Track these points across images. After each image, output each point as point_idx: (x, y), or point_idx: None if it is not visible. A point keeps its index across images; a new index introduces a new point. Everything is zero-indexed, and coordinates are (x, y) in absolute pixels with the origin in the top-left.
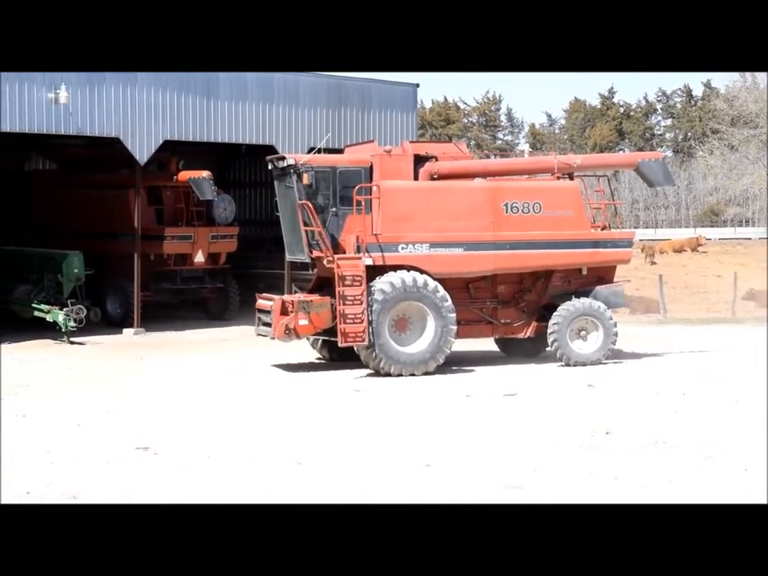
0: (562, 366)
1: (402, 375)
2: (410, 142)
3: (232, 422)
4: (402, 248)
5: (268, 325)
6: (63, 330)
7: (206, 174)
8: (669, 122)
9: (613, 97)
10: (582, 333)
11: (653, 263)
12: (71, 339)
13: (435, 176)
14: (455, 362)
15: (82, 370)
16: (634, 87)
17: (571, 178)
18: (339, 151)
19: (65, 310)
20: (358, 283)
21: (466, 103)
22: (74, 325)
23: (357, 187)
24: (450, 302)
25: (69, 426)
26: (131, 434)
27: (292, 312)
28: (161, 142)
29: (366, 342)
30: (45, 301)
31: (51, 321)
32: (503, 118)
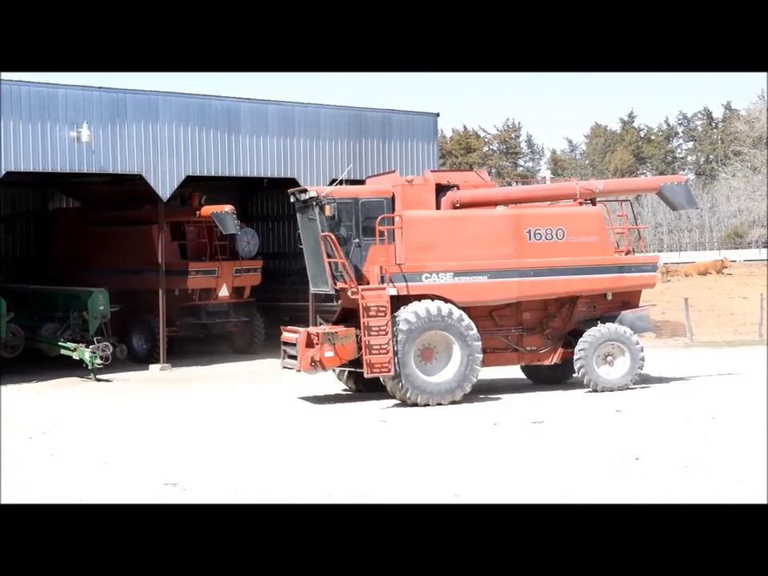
0: (589, 392)
1: (428, 405)
2: (432, 171)
3: (260, 456)
4: (426, 277)
5: (294, 357)
6: (90, 368)
7: (228, 208)
8: (690, 144)
9: (633, 121)
10: (609, 358)
11: (667, 280)
12: (98, 376)
13: (457, 205)
14: (482, 391)
15: (109, 407)
16: (654, 111)
17: (594, 203)
18: (361, 182)
19: (91, 347)
20: (382, 314)
21: (486, 131)
22: (101, 362)
23: (379, 218)
24: (475, 330)
25: (97, 464)
26: (159, 469)
27: (317, 344)
28: (183, 178)
29: (391, 373)
30: (71, 338)
31: (78, 358)
32: (524, 144)
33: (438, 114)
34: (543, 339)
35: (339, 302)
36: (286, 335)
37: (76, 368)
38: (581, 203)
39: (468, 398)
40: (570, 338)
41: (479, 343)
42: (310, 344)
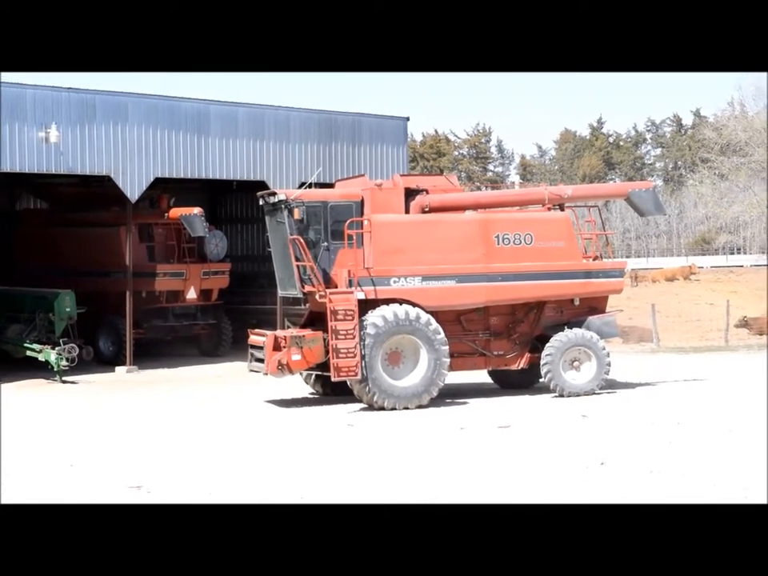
0: (556, 396)
1: (395, 409)
2: (401, 175)
3: (226, 459)
4: (394, 281)
5: (261, 360)
6: (55, 369)
7: (197, 210)
8: (659, 151)
9: (602, 127)
10: (576, 363)
11: (634, 285)
12: (63, 378)
13: (426, 209)
14: (449, 395)
15: (74, 409)
16: (624, 117)
17: (562, 208)
18: (330, 186)
19: (57, 348)
20: (350, 317)
21: (456, 135)
22: (66, 364)
23: (348, 221)
24: (442, 334)
25: (61, 466)
26: (124, 472)
27: (285, 347)
28: (152, 180)
29: (359, 376)
30: (37, 340)
31: (43, 360)
32: (493, 149)
33: (407, 119)
34: (510, 344)
35: (307, 305)
36: (254, 338)
37: (42, 370)
38: (549, 208)
39: (435, 402)
40: (537, 343)
41: (446, 347)
42: (277, 347)
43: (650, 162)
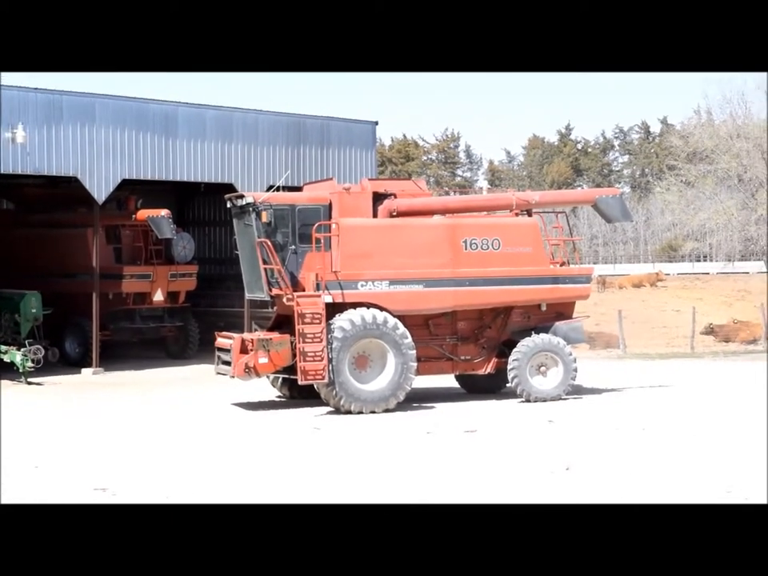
0: (523, 401)
1: (362, 413)
2: (369, 179)
3: (191, 462)
4: (362, 285)
5: (228, 363)
6: (21, 371)
7: (164, 212)
8: (626, 158)
9: (570, 133)
10: (542, 369)
11: (602, 291)
12: (29, 380)
13: (394, 213)
14: (416, 399)
15: (39, 410)
16: (592, 123)
17: (530, 214)
18: (298, 189)
19: (22, 350)
20: (317, 321)
21: (425, 140)
22: (32, 365)
23: (316, 225)
24: (410, 338)
25: (26, 468)
26: (89, 474)
27: (252, 350)
28: (119, 181)
29: (325, 380)
30: (2, 341)
31: (8, 361)
32: (462, 155)
33: (376, 123)
34: (477, 349)
35: (274, 308)
36: (221, 341)
37: (7, 371)
38: (517, 214)
39: (402, 406)
40: (504, 348)
41: (414, 352)
42: (244, 350)
43: (617, 169)
